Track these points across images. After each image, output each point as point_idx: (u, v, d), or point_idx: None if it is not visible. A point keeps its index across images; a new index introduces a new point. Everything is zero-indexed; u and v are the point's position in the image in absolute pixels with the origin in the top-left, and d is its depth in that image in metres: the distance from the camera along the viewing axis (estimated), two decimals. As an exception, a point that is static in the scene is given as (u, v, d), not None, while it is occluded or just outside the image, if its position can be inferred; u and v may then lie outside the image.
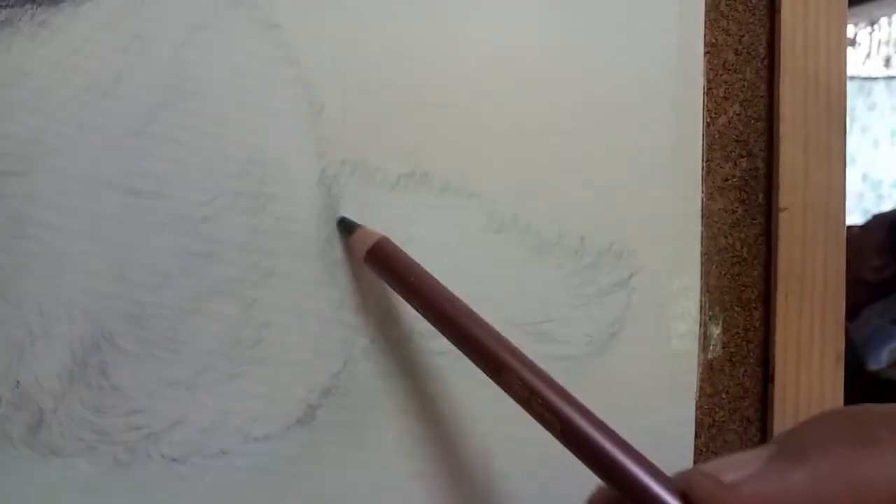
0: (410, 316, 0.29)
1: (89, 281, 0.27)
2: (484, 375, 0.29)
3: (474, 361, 0.26)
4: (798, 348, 0.31)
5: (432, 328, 0.30)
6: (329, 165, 0.29)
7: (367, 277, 0.29)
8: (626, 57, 0.31)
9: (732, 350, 0.32)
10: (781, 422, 0.31)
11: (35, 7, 0.27)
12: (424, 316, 0.27)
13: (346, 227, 0.29)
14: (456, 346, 0.26)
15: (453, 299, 0.27)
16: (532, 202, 0.31)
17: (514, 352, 0.26)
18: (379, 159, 0.29)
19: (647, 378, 0.31)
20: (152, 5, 0.27)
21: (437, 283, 0.27)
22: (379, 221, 0.29)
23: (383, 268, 0.28)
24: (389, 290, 0.29)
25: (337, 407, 0.29)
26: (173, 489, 0.28)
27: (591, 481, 0.22)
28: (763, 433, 0.32)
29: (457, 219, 0.30)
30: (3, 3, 0.26)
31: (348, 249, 0.29)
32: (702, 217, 0.31)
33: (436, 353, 0.30)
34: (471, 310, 0.26)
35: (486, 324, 0.26)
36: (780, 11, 0.31)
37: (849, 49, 2.29)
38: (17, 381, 0.26)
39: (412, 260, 0.28)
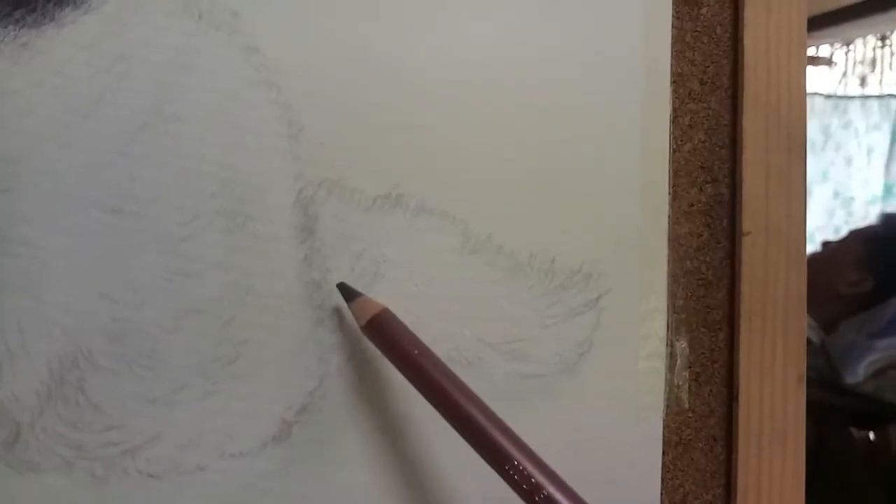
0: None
1: (69, 299, 0.27)
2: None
3: (475, 448, 0.26)
4: (761, 368, 0.32)
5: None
6: (307, 186, 0.29)
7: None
8: (596, 87, 0.32)
9: (698, 370, 0.33)
10: (746, 440, 0.32)
11: (18, 28, 0.27)
12: (422, 394, 0.27)
13: (346, 293, 0.29)
14: (455, 430, 0.26)
15: (454, 382, 0.26)
16: (505, 224, 0.31)
17: (517, 442, 0.25)
18: (356, 180, 0.30)
19: (616, 397, 0.32)
20: (135, 28, 0.28)
21: (438, 363, 0.27)
22: (355, 241, 0.30)
23: (382, 341, 0.28)
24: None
25: (313, 424, 0.29)
26: (150, 505, 0.28)
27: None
28: (728, 451, 0.33)
29: (432, 240, 0.31)
30: (-14, 25, 0.27)
31: (351, 312, 0.29)
32: (668, 240, 0.33)
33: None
34: (472, 393, 0.26)
35: (488, 409, 0.26)
36: (742, 43, 0.32)
37: (825, 68, 2.33)
38: (-5, 397, 0.26)
39: (413, 336, 0.28)
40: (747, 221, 0.32)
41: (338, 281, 0.30)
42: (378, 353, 0.29)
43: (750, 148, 0.32)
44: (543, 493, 0.24)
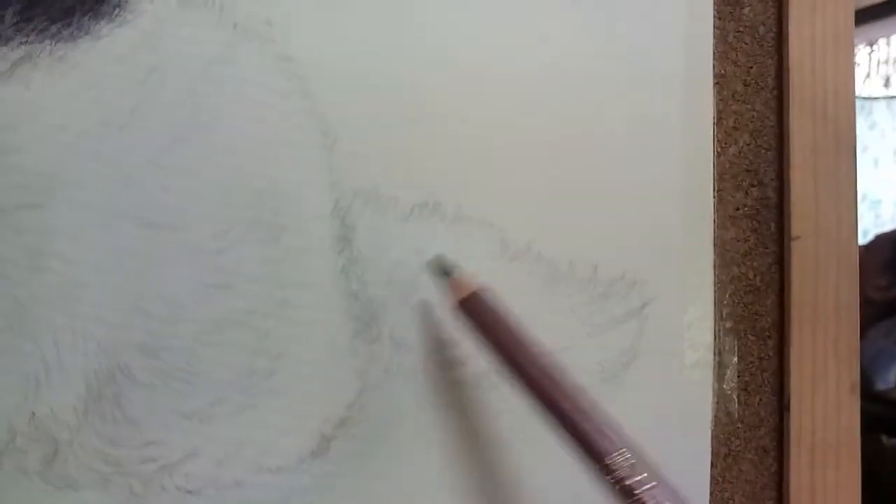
0: (425, 346, 0.30)
1: (105, 313, 0.27)
2: (504, 405, 0.29)
3: (564, 439, 0.24)
4: (813, 377, 0.31)
5: (449, 357, 0.30)
6: (342, 196, 0.29)
7: (382, 307, 0.29)
8: (637, 90, 0.31)
9: (747, 379, 0.32)
10: (797, 451, 0.31)
11: (54, 43, 0.27)
12: (511, 378, 0.26)
13: (440, 268, 0.28)
14: (548, 422, 0.25)
15: (545, 367, 0.25)
16: (544, 231, 0.31)
17: (621, 434, 0.24)
18: (392, 190, 0.29)
19: (661, 407, 0.31)
20: (168, 40, 0.28)
21: (531, 346, 0.25)
22: (392, 251, 0.29)
23: (475, 321, 0.27)
24: (404, 320, 0.29)
25: (352, 438, 0.29)
26: (188, 522, 0.27)
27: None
28: (780, 463, 0.32)
29: (470, 247, 0.30)
30: (23, 40, 0.27)
31: (440, 290, 0.28)
32: (714, 246, 0.32)
33: (451, 383, 0.30)
34: (564, 380, 0.25)
35: (588, 399, 0.24)
36: (787, 42, 0.32)
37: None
38: (33, 414, 0.26)
39: (508, 317, 0.26)
40: (796, 225, 0.31)
41: (377, 289, 0.29)
42: (418, 364, 0.29)
43: (797, 150, 0.31)
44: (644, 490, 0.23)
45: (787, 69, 0.31)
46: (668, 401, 0.31)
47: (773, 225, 0.32)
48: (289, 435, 0.28)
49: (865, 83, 2.43)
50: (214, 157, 0.28)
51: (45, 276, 0.27)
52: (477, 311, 0.27)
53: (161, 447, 0.27)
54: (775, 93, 0.32)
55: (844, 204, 0.31)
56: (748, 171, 0.32)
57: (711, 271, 0.31)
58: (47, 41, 0.27)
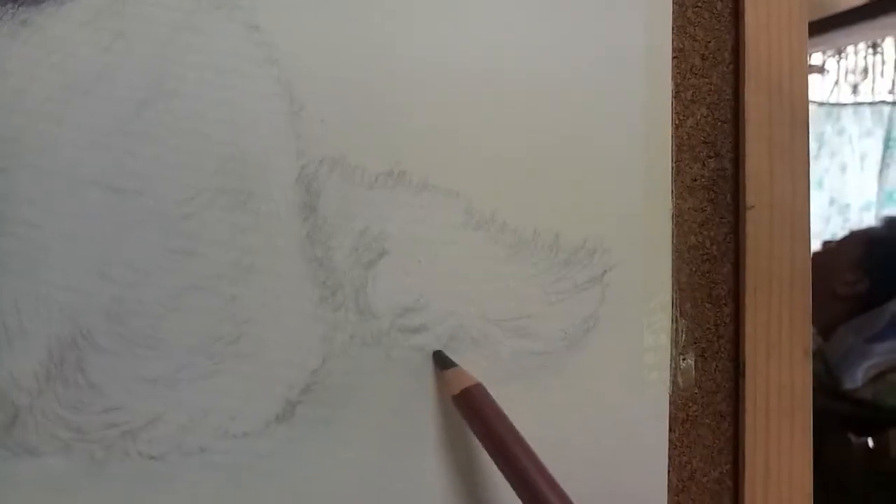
0: (390, 311, 0.30)
1: (68, 278, 0.27)
2: (467, 369, 0.30)
3: None
4: (767, 343, 0.32)
5: (413, 323, 0.30)
6: (308, 163, 0.29)
7: (346, 273, 0.30)
8: (598, 62, 0.32)
9: (704, 346, 0.33)
10: (753, 415, 0.32)
11: (17, 6, 0.27)
12: (503, 474, 0.27)
13: (441, 361, 0.30)
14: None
15: (536, 466, 0.26)
16: (509, 200, 0.31)
17: None
18: (358, 158, 0.30)
19: (622, 373, 0.32)
20: (135, 5, 0.28)
21: (523, 445, 0.27)
22: (358, 219, 0.30)
23: (470, 415, 0.28)
24: (369, 286, 0.29)
25: (316, 403, 0.29)
26: (151, 488, 0.27)
27: None
28: (736, 427, 0.33)
29: (435, 216, 0.30)
30: (-15, 4, 0.26)
31: (438, 380, 0.30)
32: (672, 216, 0.32)
33: (415, 348, 0.30)
34: (553, 481, 0.26)
35: (561, 490, 0.26)
36: (743, 18, 0.32)
37: (817, 76, 2.35)
38: (-7, 377, 0.26)
39: (502, 416, 0.27)
40: (751, 196, 0.32)
41: (342, 256, 0.29)
42: (382, 330, 0.29)
43: (752, 122, 0.32)
44: None
45: (744, 44, 0.32)
46: (627, 367, 0.32)
47: (729, 195, 0.33)
48: (253, 401, 0.28)
49: (834, 90, 2.48)
50: (181, 123, 0.28)
51: (8, 241, 0.26)
52: (472, 403, 0.28)
53: (124, 413, 0.27)
54: (732, 67, 0.33)
55: (798, 175, 0.32)
56: (705, 142, 0.33)
57: (670, 240, 0.32)
58: (10, 4, 0.27)
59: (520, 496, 0.26)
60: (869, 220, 2.19)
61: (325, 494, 0.29)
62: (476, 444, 0.28)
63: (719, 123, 0.33)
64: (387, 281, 0.30)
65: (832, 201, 2.40)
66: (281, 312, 0.29)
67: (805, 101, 0.32)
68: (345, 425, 0.29)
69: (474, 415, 0.28)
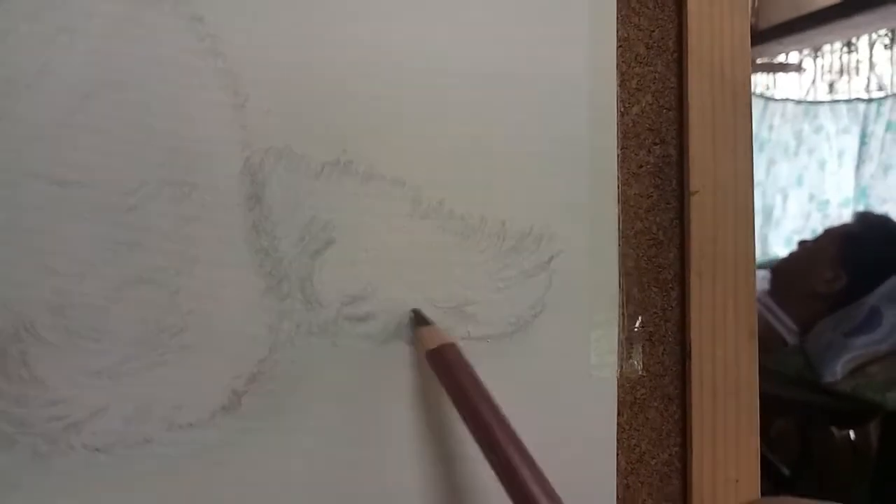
0: (337, 300, 0.30)
1: (10, 271, 0.27)
2: (412, 359, 0.30)
3: (508, 493, 0.25)
4: (713, 326, 0.32)
5: (360, 312, 0.30)
6: (253, 154, 0.29)
7: (292, 263, 0.30)
8: (544, 51, 0.32)
9: (651, 329, 0.33)
10: (700, 397, 0.32)
11: (-44, 0, 0.27)
12: (469, 430, 0.27)
13: (418, 320, 0.30)
14: (493, 470, 0.26)
15: (502, 424, 0.26)
16: (456, 189, 0.31)
17: (552, 495, 0.25)
18: (303, 148, 0.30)
19: (569, 357, 0.32)
20: (78, -2, 0.28)
21: (491, 404, 0.27)
22: (303, 209, 0.30)
23: (441, 371, 0.28)
24: (314, 276, 0.30)
25: (263, 393, 0.29)
26: (96, 480, 0.27)
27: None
28: (683, 409, 0.33)
29: (382, 205, 0.31)
30: (-77, -5, 0.26)
31: (414, 339, 0.30)
32: (619, 202, 0.33)
33: (362, 337, 0.30)
34: (518, 439, 0.26)
35: (531, 458, 0.26)
36: (686, 7, 0.33)
37: (795, 74, 2.37)
38: (-69, 371, 0.26)
39: (472, 374, 0.28)
40: (695, 181, 0.32)
41: (287, 246, 0.29)
42: (329, 319, 0.29)
43: (696, 110, 0.33)
44: None
45: (687, 33, 0.33)
46: (575, 351, 0.32)
47: (674, 181, 0.33)
48: (199, 391, 0.28)
49: (811, 89, 2.51)
50: (125, 115, 0.28)
51: (-53, 234, 0.26)
52: (444, 361, 0.28)
53: (68, 405, 0.27)
54: (676, 55, 0.33)
55: (741, 160, 0.33)
56: (651, 129, 0.33)
57: (616, 226, 0.32)
58: (-52, -3, 0.27)
59: (484, 453, 0.26)
60: (847, 215, 2.21)
61: (273, 484, 0.29)
62: (426, 428, 0.28)
63: (664, 111, 0.33)
64: (333, 270, 0.30)
65: (811, 197, 2.43)
66: (226, 303, 0.29)
67: (747, 87, 0.33)
68: (292, 415, 0.29)
69: (444, 371, 0.28)
